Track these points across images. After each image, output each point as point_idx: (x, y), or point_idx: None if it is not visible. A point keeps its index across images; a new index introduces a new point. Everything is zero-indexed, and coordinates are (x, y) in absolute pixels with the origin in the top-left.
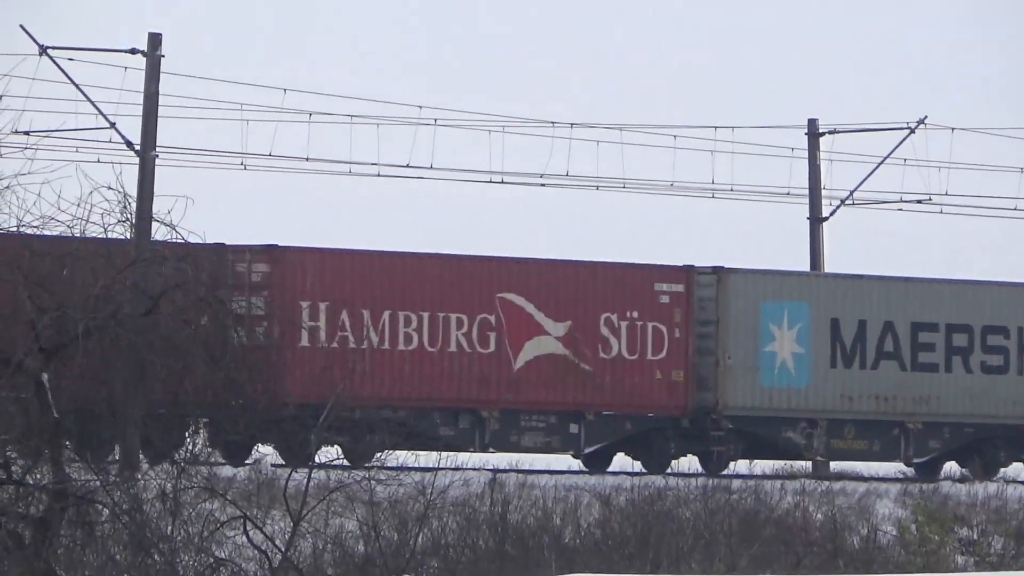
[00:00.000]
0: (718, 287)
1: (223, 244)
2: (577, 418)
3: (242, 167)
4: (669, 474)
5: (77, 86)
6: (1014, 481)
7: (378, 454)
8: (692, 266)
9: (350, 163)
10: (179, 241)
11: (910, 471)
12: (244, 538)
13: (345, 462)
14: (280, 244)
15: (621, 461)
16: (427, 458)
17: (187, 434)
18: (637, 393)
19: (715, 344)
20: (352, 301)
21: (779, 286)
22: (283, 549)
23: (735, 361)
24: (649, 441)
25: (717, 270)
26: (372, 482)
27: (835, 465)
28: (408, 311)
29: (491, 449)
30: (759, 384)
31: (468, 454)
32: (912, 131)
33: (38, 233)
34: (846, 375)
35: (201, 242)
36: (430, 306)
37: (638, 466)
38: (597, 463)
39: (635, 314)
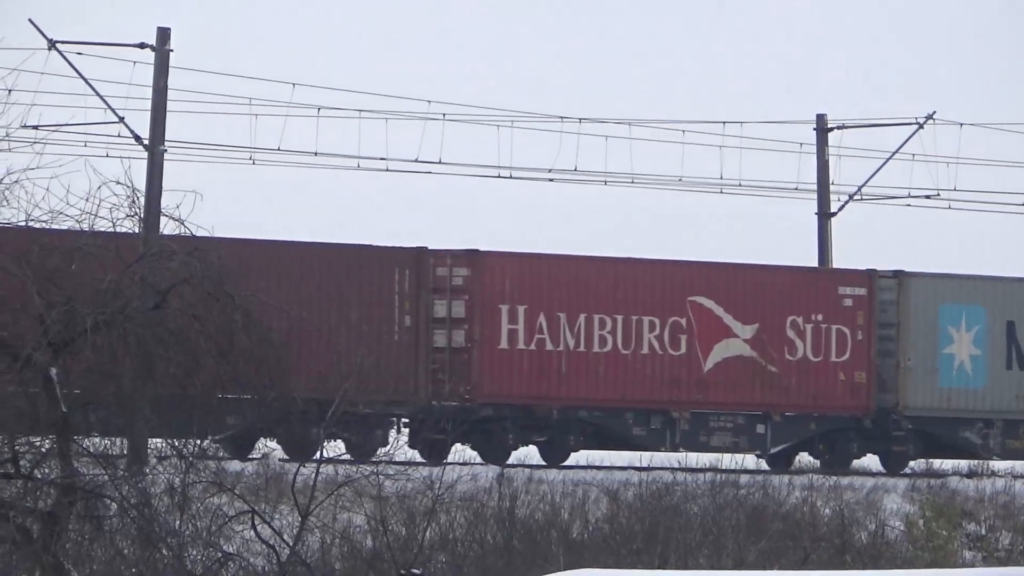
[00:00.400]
0: (899, 291)
1: (425, 248)
2: (764, 419)
3: (251, 162)
4: (677, 469)
5: (86, 80)
6: (1022, 476)
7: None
8: (874, 270)
9: (359, 157)
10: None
11: (918, 467)
12: (252, 533)
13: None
14: (481, 249)
15: (629, 457)
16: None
17: (390, 433)
18: (821, 394)
19: (895, 346)
20: (549, 304)
21: (957, 289)
22: (291, 543)
23: (915, 363)
24: (832, 441)
25: (898, 274)
26: (380, 477)
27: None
28: (603, 314)
29: (681, 449)
30: (938, 385)
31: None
32: (921, 126)
33: (47, 227)
34: (1021, 376)
35: (402, 246)
36: (624, 309)
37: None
38: (780, 463)
39: (819, 317)
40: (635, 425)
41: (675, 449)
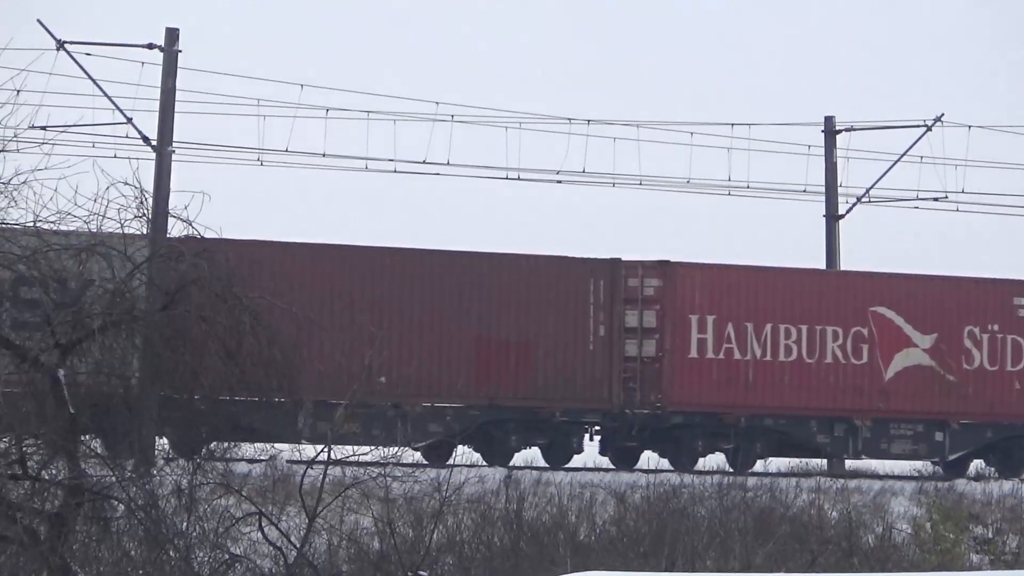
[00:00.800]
0: None
1: (618, 259)
2: (942, 427)
3: (259, 163)
4: (684, 472)
5: (94, 81)
6: None
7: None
8: None
9: (366, 159)
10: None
11: (925, 469)
12: (259, 534)
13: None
14: (672, 260)
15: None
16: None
17: (585, 438)
18: (997, 402)
19: None
20: (737, 314)
21: None
22: (298, 546)
23: None
24: (1008, 449)
25: None
26: (387, 479)
27: (849, 463)
28: (788, 324)
29: (863, 456)
30: None
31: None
32: (929, 128)
33: (55, 228)
34: None
35: (599, 257)
36: (808, 319)
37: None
38: (956, 469)
39: (995, 327)
40: (819, 433)
41: (857, 456)
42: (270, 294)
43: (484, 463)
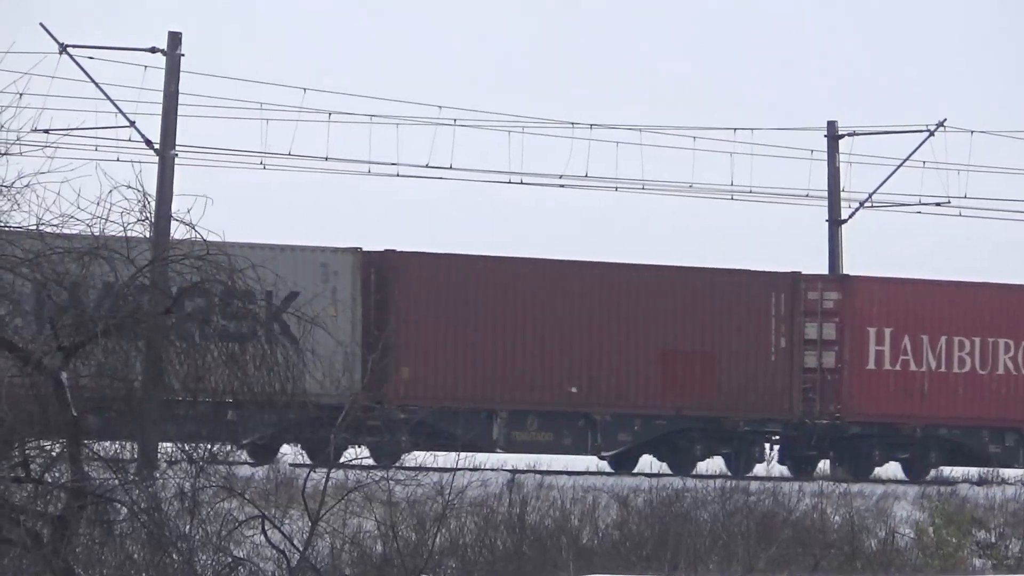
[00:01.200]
0: None
1: (798, 272)
2: None
3: (262, 166)
4: (687, 476)
5: (97, 84)
6: None
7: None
8: None
9: (369, 163)
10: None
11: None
12: (262, 538)
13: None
14: (851, 274)
15: (640, 463)
16: (445, 458)
17: (765, 449)
18: None
19: None
20: (914, 327)
21: None
22: (301, 549)
23: None
24: None
25: None
26: (391, 482)
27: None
28: (962, 336)
29: None
30: None
31: (486, 454)
32: (932, 133)
33: (58, 232)
34: None
35: (777, 271)
36: (981, 332)
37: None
38: None
39: None
40: (991, 443)
41: None
42: (464, 304)
43: (669, 471)
